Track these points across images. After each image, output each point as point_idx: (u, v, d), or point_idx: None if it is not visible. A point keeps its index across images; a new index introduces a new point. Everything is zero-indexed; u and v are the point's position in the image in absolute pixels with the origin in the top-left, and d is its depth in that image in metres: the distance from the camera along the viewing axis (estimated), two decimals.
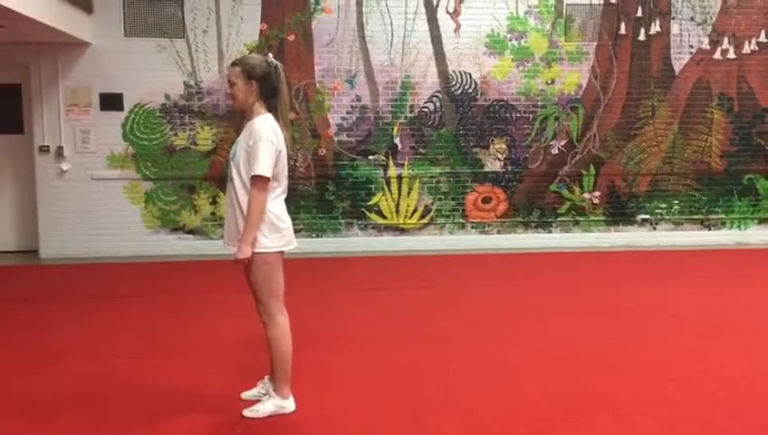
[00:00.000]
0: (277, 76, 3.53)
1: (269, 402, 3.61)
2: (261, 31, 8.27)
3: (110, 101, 8.14)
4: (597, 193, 8.89)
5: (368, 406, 3.73)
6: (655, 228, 9.01)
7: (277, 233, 3.48)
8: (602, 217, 8.94)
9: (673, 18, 8.75)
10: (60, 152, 8.11)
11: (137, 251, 8.22)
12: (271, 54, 3.75)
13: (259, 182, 3.38)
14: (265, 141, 3.38)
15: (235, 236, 3.48)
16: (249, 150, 3.42)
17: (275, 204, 3.49)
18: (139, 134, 8.23)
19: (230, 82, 3.53)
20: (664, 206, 8.99)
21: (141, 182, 8.28)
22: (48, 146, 8.12)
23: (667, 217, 9.01)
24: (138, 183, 8.28)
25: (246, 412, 3.59)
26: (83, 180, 8.18)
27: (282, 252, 3.55)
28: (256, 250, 3.42)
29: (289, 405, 3.63)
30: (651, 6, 8.71)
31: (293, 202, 8.23)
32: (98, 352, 4.67)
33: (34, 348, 4.78)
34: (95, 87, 8.10)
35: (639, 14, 8.69)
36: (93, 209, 8.20)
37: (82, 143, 8.16)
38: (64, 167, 8.13)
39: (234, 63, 3.57)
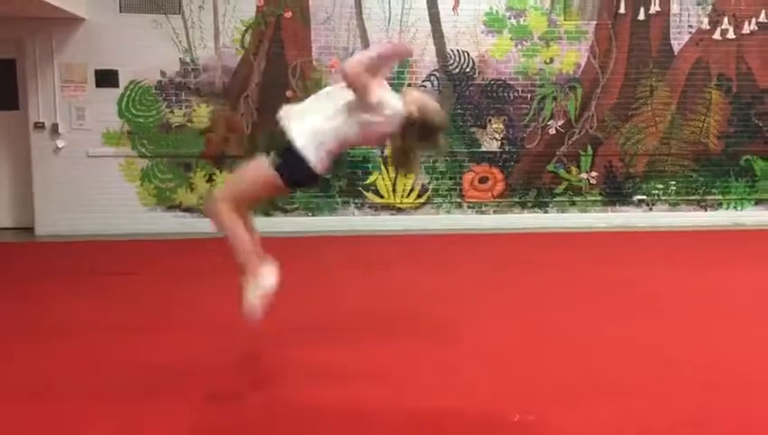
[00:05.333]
0: None
1: (250, 289, 3.44)
2: (258, 7, 8.19)
3: (106, 78, 8.08)
4: (594, 173, 8.88)
5: (364, 386, 3.74)
6: (651, 209, 9.01)
7: (321, 154, 3.39)
8: (599, 198, 8.94)
9: None
10: (55, 129, 8.06)
11: (132, 229, 8.20)
12: None
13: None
14: None
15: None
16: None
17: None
18: (134, 111, 8.18)
19: None
20: (661, 186, 8.98)
21: (137, 160, 8.25)
22: (43, 123, 8.07)
23: (664, 197, 9.01)
24: (133, 160, 8.24)
25: (246, 309, 3.42)
26: (79, 157, 8.14)
27: (285, 188, 3.49)
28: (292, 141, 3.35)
29: (265, 275, 3.48)
30: None
31: None
32: (94, 329, 4.67)
33: (30, 325, 4.77)
34: (90, 63, 8.04)
35: None
36: (89, 187, 8.17)
37: (78, 120, 8.11)
38: (60, 144, 8.08)
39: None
